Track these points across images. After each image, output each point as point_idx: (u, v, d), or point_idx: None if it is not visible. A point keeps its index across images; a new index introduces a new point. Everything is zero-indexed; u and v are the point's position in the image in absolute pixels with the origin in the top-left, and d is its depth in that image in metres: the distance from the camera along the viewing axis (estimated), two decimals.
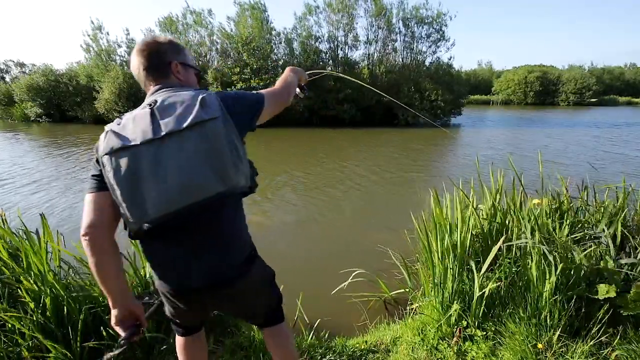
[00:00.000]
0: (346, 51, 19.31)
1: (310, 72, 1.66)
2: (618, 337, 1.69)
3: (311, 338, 2.12)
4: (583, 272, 1.83)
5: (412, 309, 2.39)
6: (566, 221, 2.25)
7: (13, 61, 33.83)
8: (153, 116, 0.95)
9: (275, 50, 17.82)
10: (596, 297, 1.74)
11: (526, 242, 2.02)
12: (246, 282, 1.14)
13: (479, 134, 14.71)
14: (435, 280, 2.17)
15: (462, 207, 2.34)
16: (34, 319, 1.69)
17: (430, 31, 19.23)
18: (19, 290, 1.74)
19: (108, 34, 19.51)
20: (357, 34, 19.04)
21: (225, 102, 1.02)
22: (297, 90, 1.46)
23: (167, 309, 1.25)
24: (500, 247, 2.03)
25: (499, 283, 2.02)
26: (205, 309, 1.28)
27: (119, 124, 0.99)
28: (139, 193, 0.93)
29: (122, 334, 1.04)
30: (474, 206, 2.40)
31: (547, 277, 1.79)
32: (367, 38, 19.51)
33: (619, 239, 2.05)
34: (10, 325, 1.68)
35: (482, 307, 1.96)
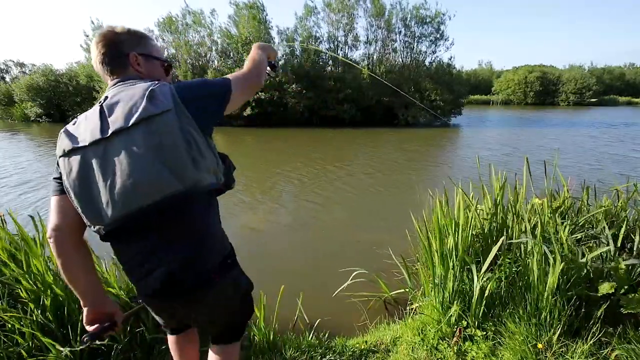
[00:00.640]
0: (346, 51, 19.32)
1: (286, 44, 1.51)
2: (617, 336, 1.69)
3: (311, 338, 2.12)
4: (584, 272, 1.84)
5: (412, 309, 2.39)
6: (567, 221, 2.25)
7: (13, 61, 33.85)
8: (102, 114, 0.91)
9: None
10: (597, 294, 1.74)
11: (526, 242, 2.02)
12: (214, 293, 1.04)
13: (479, 134, 14.70)
14: (436, 281, 2.17)
15: (463, 208, 2.34)
16: (34, 319, 1.69)
17: (429, 31, 19.24)
18: (18, 291, 1.74)
19: None
20: (356, 34, 19.09)
21: (182, 93, 0.94)
22: (268, 68, 1.32)
23: (151, 312, 1.21)
24: (501, 246, 2.03)
25: (499, 283, 2.02)
26: (175, 315, 1.16)
27: (74, 124, 0.96)
28: (92, 196, 0.90)
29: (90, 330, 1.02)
30: (474, 206, 2.40)
31: (548, 277, 1.79)
32: (367, 38, 19.53)
33: (620, 239, 2.05)
34: (10, 325, 1.68)
35: (482, 307, 1.96)
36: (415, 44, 19.65)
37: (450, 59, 20.03)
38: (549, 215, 2.22)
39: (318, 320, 2.39)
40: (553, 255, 1.80)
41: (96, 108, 0.94)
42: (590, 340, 1.68)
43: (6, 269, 1.83)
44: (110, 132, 0.88)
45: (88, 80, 19.21)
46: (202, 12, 18.98)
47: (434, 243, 2.25)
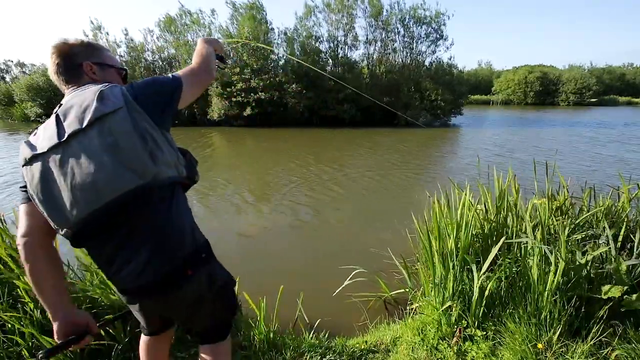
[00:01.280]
0: (346, 51, 19.32)
1: (229, 40, 1.51)
2: (618, 336, 1.69)
3: (311, 338, 2.12)
4: (585, 272, 1.83)
5: (412, 309, 2.39)
6: (567, 221, 2.25)
7: (13, 61, 33.89)
8: (58, 120, 0.94)
9: (275, 50, 17.81)
10: (599, 296, 1.74)
11: (527, 242, 2.02)
12: (189, 287, 1.04)
13: (479, 134, 14.70)
14: (436, 281, 2.17)
15: (463, 207, 2.34)
16: (34, 319, 1.69)
17: (428, 31, 19.24)
18: (18, 291, 1.74)
19: (108, 34, 19.48)
20: (356, 34, 19.06)
21: (134, 92, 0.98)
22: (217, 61, 1.34)
23: (134, 313, 1.20)
24: (501, 246, 2.03)
25: (499, 283, 2.02)
26: (154, 311, 1.17)
27: (34, 135, 0.98)
28: (55, 200, 0.92)
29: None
30: (474, 206, 2.40)
31: (548, 277, 1.79)
32: (367, 38, 19.53)
33: (620, 239, 2.05)
34: (10, 325, 1.68)
35: (482, 307, 1.96)
36: (415, 44, 19.65)
37: (450, 59, 20.06)
38: (549, 215, 2.22)
39: (318, 320, 2.39)
40: (553, 256, 1.80)
41: (52, 117, 0.96)
42: (591, 340, 1.68)
43: (6, 269, 1.83)
44: (66, 135, 0.91)
45: None
46: (202, 12, 19.00)
47: (434, 243, 2.25)
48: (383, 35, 19.50)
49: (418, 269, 2.70)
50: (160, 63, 19.91)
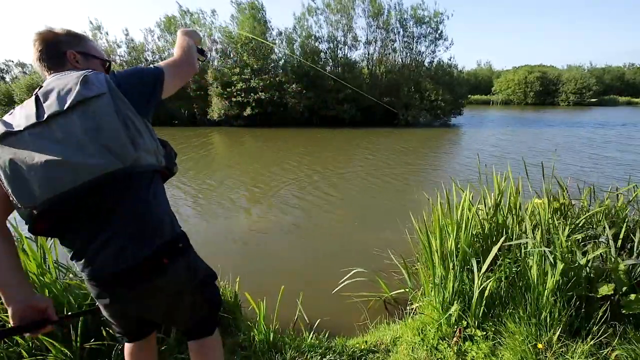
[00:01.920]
0: (345, 51, 19.33)
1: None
2: (618, 336, 1.69)
3: (311, 338, 2.12)
4: (584, 272, 1.84)
5: (412, 309, 2.39)
6: (567, 221, 2.25)
7: (13, 61, 33.89)
8: (37, 101, 0.94)
9: (275, 50, 17.84)
10: (597, 295, 1.74)
11: (527, 242, 2.02)
12: (165, 278, 1.02)
13: (479, 134, 14.71)
14: (436, 281, 2.17)
15: (463, 208, 2.34)
16: None
17: (428, 31, 19.25)
18: None
19: (107, 34, 19.49)
20: (356, 34, 19.08)
21: (117, 80, 0.99)
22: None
23: (103, 313, 1.14)
24: (501, 246, 2.03)
25: (499, 283, 2.02)
26: (129, 308, 1.10)
27: (10, 114, 0.97)
28: (23, 177, 0.89)
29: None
30: (475, 206, 2.40)
31: (548, 277, 1.79)
32: (367, 38, 19.54)
33: (620, 239, 2.05)
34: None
35: (482, 307, 1.96)
36: (414, 44, 19.66)
37: (449, 59, 20.08)
38: (549, 215, 2.22)
39: (318, 320, 2.39)
40: (553, 256, 1.80)
41: (32, 97, 0.96)
42: (591, 340, 1.68)
43: None
44: (46, 116, 0.90)
45: None
46: (203, 11, 19.00)
47: (434, 243, 2.25)
48: (383, 35, 19.52)
49: (418, 269, 2.70)
50: None
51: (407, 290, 2.60)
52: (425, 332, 2.05)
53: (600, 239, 2.06)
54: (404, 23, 19.18)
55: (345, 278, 2.84)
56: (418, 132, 15.35)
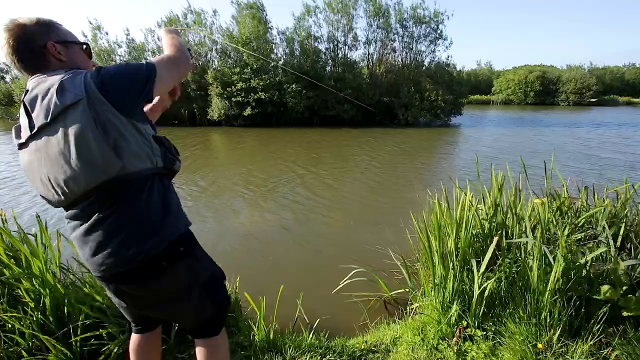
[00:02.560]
0: (345, 51, 19.31)
1: (182, 29, 1.37)
2: (618, 336, 1.69)
3: (311, 338, 2.12)
4: (584, 272, 1.83)
5: (412, 309, 2.39)
6: (567, 221, 2.25)
7: None
8: (27, 110, 0.94)
9: (275, 50, 17.81)
10: (597, 297, 1.74)
11: (526, 241, 2.02)
12: (166, 280, 1.03)
13: (479, 134, 14.69)
14: (436, 281, 2.17)
15: (463, 207, 2.34)
16: (34, 318, 1.69)
17: (428, 31, 19.23)
18: (18, 291, 1.74)
19: (107, 34, 19.43)
20: (356, 34, 19.05)
21: (99, 78, 0.92)
22: None
23: (112, 300, 1.20)
24: (500, 246, 2.03)
25: (499, 283, 2.02)
26: (130, 302, 1.13)
27: (18, 118, 1.02)
28: (39, 183, 0.98)
29: None
30: (474, 206, 2.40)
31: (548, 277, 1.79)
32: (367, 38, 19.52)
33: (619, 239, 2.05)
34: (10, 325, 1.68)
35: (482, 307, 1.96)
36: (414, 44, 19.64)
37: (448, 59, 20.06)
38: (549, 215, 2.22)
39: (318, 320, 2.39)
40: (553, 256, 1.80)
41: (22, 105, 0.97)
42: (590, 340, 1.68)
43: (6, 269, 1.83)
44: (36, 128, 0.92)
45: None
46: (205, 11, 19.00)
47: (434, 243, 2.25)
48: (382, 35, 19.50)
49: (418, 269, 2.70)
50: None
51: (407, 290, 2.60)
52: (425, 332, 2.05)
53: (600, 239, 2.06)
54: (404, 23, 19.17)
55: (345, 278, 2.84)
56: (418, 132, 15.34)
